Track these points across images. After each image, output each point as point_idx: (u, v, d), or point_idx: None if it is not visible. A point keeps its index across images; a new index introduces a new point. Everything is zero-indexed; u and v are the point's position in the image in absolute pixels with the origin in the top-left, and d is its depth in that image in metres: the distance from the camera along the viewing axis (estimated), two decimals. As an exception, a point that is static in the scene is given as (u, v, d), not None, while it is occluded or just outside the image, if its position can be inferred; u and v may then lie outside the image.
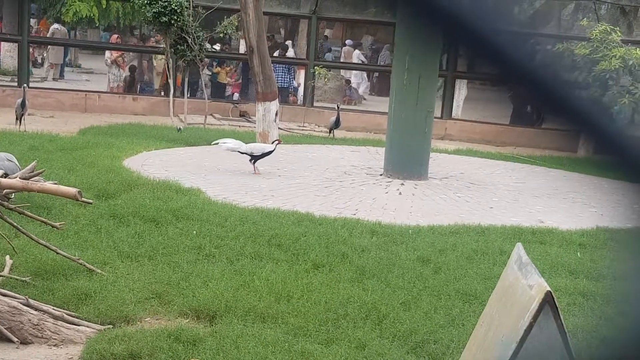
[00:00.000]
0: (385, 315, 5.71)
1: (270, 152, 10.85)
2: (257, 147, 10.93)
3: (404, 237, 7.84)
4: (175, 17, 15.60)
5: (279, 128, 14.39)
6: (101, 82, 21.18)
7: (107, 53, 20.53)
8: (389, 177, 11.07)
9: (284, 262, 6.82)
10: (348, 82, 22.78)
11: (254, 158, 10.82)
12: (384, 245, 7.52)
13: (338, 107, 17.13)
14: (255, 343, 5.09)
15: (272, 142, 11.12)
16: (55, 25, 21.55)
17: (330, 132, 16.28)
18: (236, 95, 20.58)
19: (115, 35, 22.57)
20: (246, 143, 11.04)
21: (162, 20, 15.63)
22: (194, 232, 7.44)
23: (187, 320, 5.59)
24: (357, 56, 24.61)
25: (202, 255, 6.89)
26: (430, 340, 5.35)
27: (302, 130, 17.44)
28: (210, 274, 6.37)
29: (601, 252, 7.85)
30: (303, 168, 11.50)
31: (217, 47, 19.64)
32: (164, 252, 6.87)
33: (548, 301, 3.07)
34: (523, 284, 3.26)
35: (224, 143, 10.93)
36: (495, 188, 11.02)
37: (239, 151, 10.85)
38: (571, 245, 8.00)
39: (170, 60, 16.71)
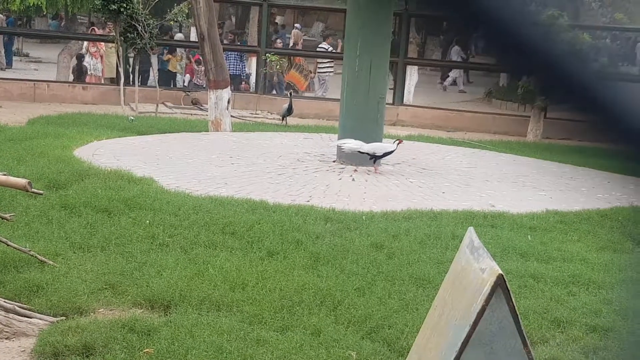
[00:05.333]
0: (340, 301, 5.74)
1: (391, 152, 10.74)
2: (379, 147, 10.79)
3: (358, 223, 7.88)
4: (125, 5, 15.42)
5: (231, 116, 14.34)
6: (50, 71, 20.88)
7: (85, 43, 20.24)
8: (342, 164, 11.10)
9: (238, 250, 6.81)
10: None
11: (376, 158, 10.72)
12: (338, 232, 7.55)
13: (290, 95, 17.11)
14: (210, 332, 5.09)
15: (394, 142, 10.92)
16: None
17: (282, 120, 16.27)
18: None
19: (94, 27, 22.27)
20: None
21: (111, 8, 15.44)
22: (147, 221, 7.39)
23: (142, 311, 5.56)
24: (456, 53, 24.56)
25: (156, 244, 6.86)
26: (385, 325, 5.40)
27: (255, 117, 17.39)
28: (164, 263, 6.34)
29: (551, 234, 7.97)
30: (256, 156, 11.47)
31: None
32: (116, 242, 6.81)
33: (500, 284, 3.12)
34: (475, 268, 3.31)
35: (345, 144, 10.77)
36: (447, 173, 11.12)
37: (359, 151, 10.71)
38: (522, 229, 8.11)
39: (120, 48, 16.54)
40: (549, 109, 17.28)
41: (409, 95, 19.66)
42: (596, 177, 11.66)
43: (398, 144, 10.85)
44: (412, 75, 20.18)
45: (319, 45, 21.69)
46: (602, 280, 6.59)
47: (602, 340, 5.49)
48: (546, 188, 10.63)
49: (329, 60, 20.97)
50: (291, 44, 23.12)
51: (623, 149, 1.29)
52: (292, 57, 21.04)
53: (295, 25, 25.73)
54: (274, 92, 20.02)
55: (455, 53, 24.87)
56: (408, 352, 4.20)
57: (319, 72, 20.99)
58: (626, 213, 8.83)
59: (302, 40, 23.78)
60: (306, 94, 20.62)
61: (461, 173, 11.22)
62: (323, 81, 21.05)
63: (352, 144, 10.70)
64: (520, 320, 3.21)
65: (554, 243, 7.63)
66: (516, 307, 3.17)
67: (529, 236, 7.83)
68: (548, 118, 17.29)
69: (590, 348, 5.37)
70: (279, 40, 22.65)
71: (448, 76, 25.62)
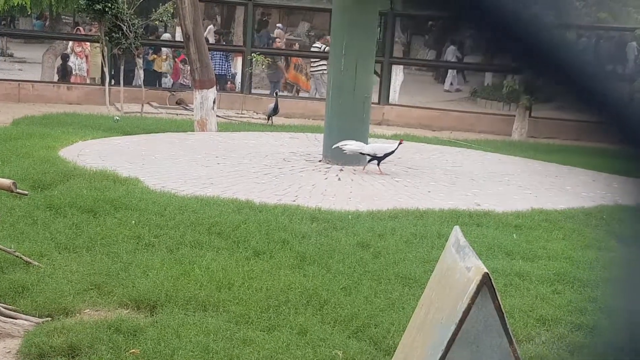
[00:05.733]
0: (327, 301, 5.75)
1: (392, 152, 10.73)
2: (380, 148, 10.78)
3: (344, 223, 7.89)
4: (110, 5, 15.37)
5: (217, 116, 14.33)
6: (35, 71, 20.79)
7: (70, 43, 20.19)
8: (327, 163, 11.11)
9: (225, 250, 6.80)
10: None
11: (377, 159, 10.71)
12: (324, 231, 7.56)
13: (276, 94, 17.11)
14: (196, 332, 5.09)
15: (397, 143, 10.88)
16: None
17: (268, 119, 16.26)
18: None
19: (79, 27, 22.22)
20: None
21: (95, 8, 15.39)
22: (133, 221, 7.38)
23: (127, 311, 5.55)
24: (452, 52, 24.70)
25: (142, 245, 6.84)
26: (371, 324, 5.41)
27: (241, 117, 17.38)
28: (150, 263, 6.33)
29: (536, 233, 8.01)
30: (242, 155, 11.46)
31: None
32: (102, 242, 6.79)
33: (485, 283, 3.13)
34: (461, 267, 3.32)
35: (345, 145, 10.75)
36: (433, 172, 11.14)
37: (360, 152, 10.72)
38: (507, 227, 8.14)
39: (105, 48, 16.49)
40: (533, 108, 17.35)
41: (394, 95, 19.69)
42: (581, 176, 11.72)
43: (400, 144, 10.87)
44: (398, 74, 20.21)
45: (314, 45, 21.68)
46: (587, 278, 6.63)
47: (587, 338, 5.52)
48: (531, 187, 10.67)
49: (320, 59, 20.97)
50: (275, 44, 23.11)
51: (624, 149, 1.28)
52: (289, 58, 21.12)
53: (278, 25, 25.63)
54: (286, 93, 20.25)
55: (451, 53, 24.95)
56: (394, 351, 4.21)
57: (311, 71, 20.98)
58: (610, 211, 8.88)
59: (285, 40, 23.73)
60: (301, 94, 20.64)
61: (447, 172, 11.25)
62: (319, 81, 21.07)
63: (352, 146, 10.72)
64: (506, 319, 3.22)
65: (539, 241, 7.66)
66: (502, 306, 3.19)
67: (514, 235, 7.86)
68: (533, 117, 17.36)
69: (576, 346, 5.40)
70: (277, 40, 22.60)
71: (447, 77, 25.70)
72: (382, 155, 10.70)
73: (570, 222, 8.46)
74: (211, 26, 23.99)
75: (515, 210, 8.91)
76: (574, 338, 5.47)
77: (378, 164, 10.76)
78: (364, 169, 10.78)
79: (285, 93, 20.67)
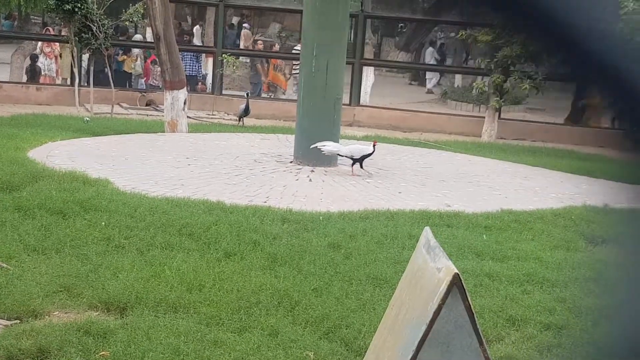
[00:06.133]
0: (298, 302, 5.75)
1: (370, 155, 10.74)
2: (357, 150, 10.79)
3: (315, 224, 7.89)
4: (79, 5, 15.26)
5: (188, 117, 14.28)
6: (3, 71, 20.59)
7: (39, 43, 20.01)
8: (299, 165, 11.11)
9: (195, 252, 6.78)
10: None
11: (354, 161, 10.70)
12: (295, 232, 7.56)
13: (247, 95, 17.07)
14: (167, 334, 5.07)
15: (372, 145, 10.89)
16: None
17: (239, 120, 16.22)
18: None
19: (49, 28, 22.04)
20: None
21: (65, 8, 15.28)
22: (103, 223, 7.33)
23: (97, 313, 5.52)
24: (430, 54, 24.79)
25: (112, 246, 6.80)
26: (342, 325, 5.42)
27: (212, 118, 17.33)
28: (120, 265, 6.30)
29: (505, 234, 8.06)
30: (213, 156, 11.43)
31: None
32: (71, 244, 6.74)
33: (456, 283, 3.15)
34: (431, 267, 3.33)
35: (323, 146, 10.69)
36: (403, 173, 11.18)
37: (338, 154, 10.75)
38: (477, 228, 8.18)
39: (75, 49, 16.37)
40: (503, 110, 17.47)
41: (365, 96, 19.74)
42: (549, 177, 11.81)
43: (374, 146, 10.91)
44: (369, 76, 20.26)
45: (294, 48, 21.70)
46: (556, 278, 6.68)
47: (556, 337, 5.57)
48: (501, 187, 10.75)
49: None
50: (241, 45, 23.06)
51: None
52: (268, 58, 21.25)
53: (244, 25, 25.47)
54: (270, 95, 20.33)
55: (430, 54, 25.04)
56: (365, 352, 4.22)
57: (294, 74, 20.98)
58: (579, 212, 8.96)
59: (252, 40, 23.67)
60: (263, 95, 20.63)
61: (417, 173, 11.29)
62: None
63: (330, 147, 10.75)
64: (476, 319, 3.24)
65: (509, 242, 7.71)
66: (472, 306, 3.21)
67: (484, 235, 7.91)
68: (502, 119, 17.48)
69: (545, 345, 5.44)
70: (259, 42, 22.56)
71: (431, 79, 25.85)
72: (359, 157, 10.74)
73: (540, 223, 8.52)
74: (197, 26, 23.96)
75: (485, 211, 8.96)
76: (543, 338, 5.52)
77: (352, 165, 10.78)
78: (362, 170, 10.78)
79: (270, 95, 20.73)
